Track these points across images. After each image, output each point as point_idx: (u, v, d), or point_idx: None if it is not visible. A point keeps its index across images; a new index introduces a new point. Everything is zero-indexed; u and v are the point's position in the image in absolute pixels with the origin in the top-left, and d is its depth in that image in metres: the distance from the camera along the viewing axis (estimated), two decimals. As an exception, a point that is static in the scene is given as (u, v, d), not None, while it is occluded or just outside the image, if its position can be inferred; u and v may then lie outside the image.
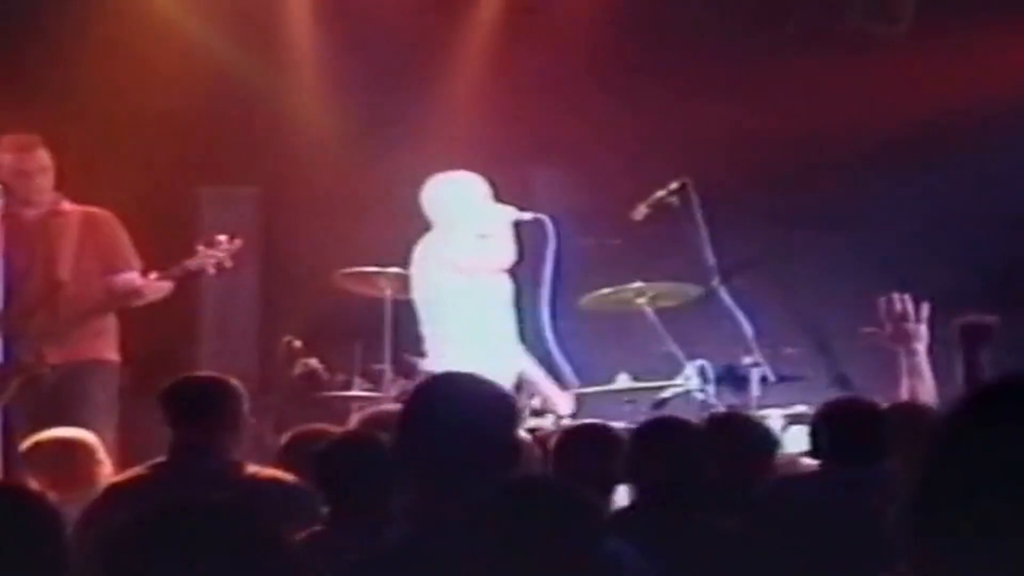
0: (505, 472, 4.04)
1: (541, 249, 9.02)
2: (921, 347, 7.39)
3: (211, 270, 8.62)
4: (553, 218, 8.97)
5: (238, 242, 8.64)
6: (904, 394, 7.14)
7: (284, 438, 6.19)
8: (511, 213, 8.94)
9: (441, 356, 8.66)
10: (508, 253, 8.99)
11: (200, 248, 8.63)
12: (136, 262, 8.77)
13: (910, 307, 7.43)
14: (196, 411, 5.57)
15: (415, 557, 3.82)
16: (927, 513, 1.75)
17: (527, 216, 8.97)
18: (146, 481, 5.46)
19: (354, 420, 6.83)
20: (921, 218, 10.59)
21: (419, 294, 9.04)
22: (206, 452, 5.50)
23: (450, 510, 3.75)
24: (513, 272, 9.09)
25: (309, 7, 10.76)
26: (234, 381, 5.79)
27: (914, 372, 7.24)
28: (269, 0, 10.81)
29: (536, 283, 9.12)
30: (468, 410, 4.15)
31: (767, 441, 6.39)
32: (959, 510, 1.70)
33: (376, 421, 5.80)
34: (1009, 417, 1.73)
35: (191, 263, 8.60)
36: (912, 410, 6.42)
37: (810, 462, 6.20)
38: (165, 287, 8.73)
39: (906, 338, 7.38)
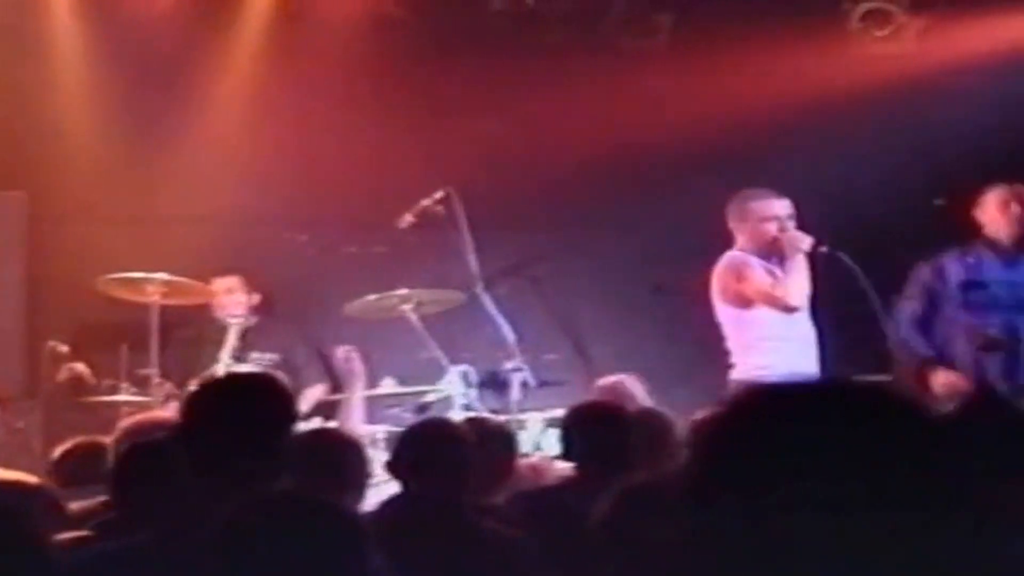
0: (271, 481, 4.11)
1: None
2: None
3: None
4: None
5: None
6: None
7: (55, 454, 6.16)
8: None
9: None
10: None
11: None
12: None
13: None
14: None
15: (158, 561, 3.84)
16: (695, 512, 1.79)
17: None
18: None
19: (120, 428, 6.82)
20: (678, 223, 10.84)
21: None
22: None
23: (207, 517, 3.70)
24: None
25: (72, 11, 10.65)
26: None
27: None
28: (32, 4, 10.67)
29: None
30: (238, 415, 4.20)
31: (507, 443, 6.54)
32: (725, 509, 1.75)
33: (138, 430, 5.79)
34: (771, 419, 1.80)
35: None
36: (656, 417, 6.62)
37: (564, 465, 6.35)
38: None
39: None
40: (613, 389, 8.29)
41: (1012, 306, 8.60)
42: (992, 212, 8.71)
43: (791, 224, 8.73)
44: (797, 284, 8.66)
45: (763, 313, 8.68)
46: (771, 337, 8.64)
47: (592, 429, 6.08)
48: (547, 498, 5.90)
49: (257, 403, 4.31)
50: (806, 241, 8.63)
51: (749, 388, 1.83)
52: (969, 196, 8.65)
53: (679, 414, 7.23)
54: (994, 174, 8.87)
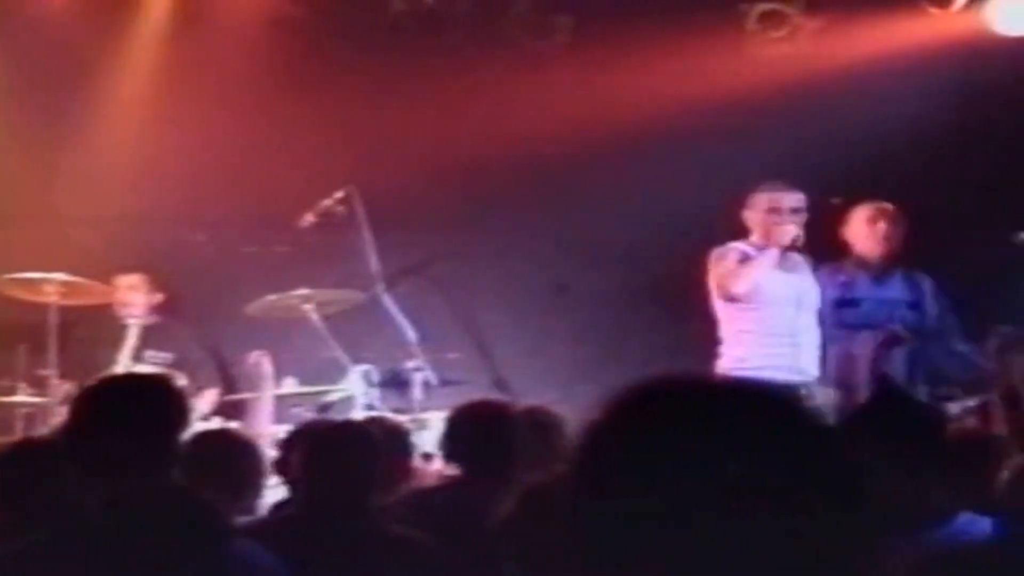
0: (164, 474, 4.11)
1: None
2: None
3: None
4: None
5: None
6: None
7: None
8: None
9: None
10: None
11: None
12: None
13: None
14: None
15: (41, 558, 3.83)
16: (579, 512, 1.80)
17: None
18: None
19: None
20: (580, 223, 10.92)
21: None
22: None
23: (91, 511, 3.75)
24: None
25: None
26: None
27: None
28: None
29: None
30: (125, 412, 4.20)
31: (403, 444, 6.54)
32: (608, 508, 1.77)
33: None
34: (653, 415, 1.81)
35: None
36: (544, 415, 6.62)
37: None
38: None
39: None
40: None
41: (883, 323, 8.72)
42: (859, 230, 8.84)
43: (795, 217, 8.56)
44: (746, 274, 8.52)
45: (745, 305, 8.61)
46: (752, 331, 8.56)
47: (475, 429, 6.07)
48: (431, 499, 5.88)
49: (147, 404, 4.31)
50: (786, 236, 8.53)
51: (632, 387, 1.86)
52: (838, 215, 8.73)
53: (582, 413, 7.28)
54: (888, 172, 9.01)
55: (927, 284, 9.00)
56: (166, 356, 9.85)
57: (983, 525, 4.53)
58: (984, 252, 9.60)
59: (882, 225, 8.83)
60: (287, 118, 10.53)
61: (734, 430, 1.77)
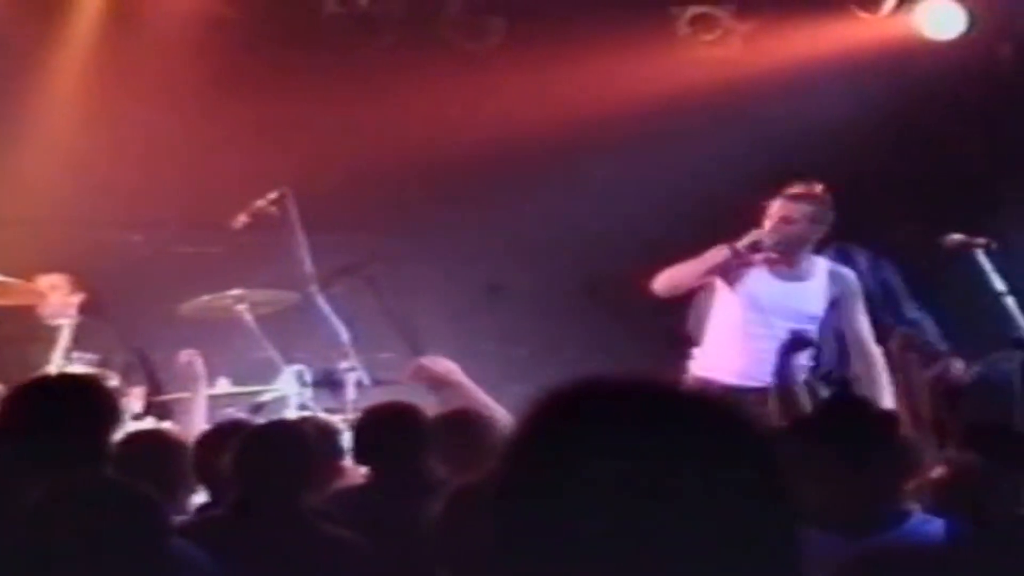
0: (96, 471, 4.12)
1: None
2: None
3: None
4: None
5: None
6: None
7: None
8: None
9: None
10: None
11: None
12: None
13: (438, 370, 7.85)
14: None
15: None
16: (503, 513, 1.82)
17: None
18: None
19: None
20: (514, 223, 10.96)
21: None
22: None
23: (16, 507, 3.75)
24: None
25: None
26: None
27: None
28: None
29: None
30: (57, 411, 4.20)
31: (332, 444, 6.55)
32: (532, 509, 1.78)
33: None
34: (579, 417, 1.82)
35: None
36: (475, 415, 6.65)
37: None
38: None
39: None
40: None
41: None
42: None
43: (778, 224, 8.45)
44: (670, 272, 8.55)
45: (715, 307, 8.64)
46: (711, 329, 8.61)
47: (384, 431, 6.09)
48: (344, 500, 5.88)
49: (79, 403, 4.32)
50: (744, 240, 8.49)
51: (558, 389, 1.88)
52: (756, 206, 8.79)
53: (514, 413, 7.33)
54: (818, 175, 9.08)
55: (862, 259, 9.05)
56: (92, 357, 9.81)
57: (935, 526, 4.60)
58: (912, 253, 9.70)
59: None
60: (221, 119, 10.51)
61: (659, 431, 1.79)
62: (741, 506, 1.78)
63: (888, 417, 5.43)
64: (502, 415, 6.93)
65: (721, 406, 1.88)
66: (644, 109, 10.52)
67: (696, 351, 8.62)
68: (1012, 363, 8.13)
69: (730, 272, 8.55)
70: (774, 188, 8.71)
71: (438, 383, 7.72)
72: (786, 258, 8.53)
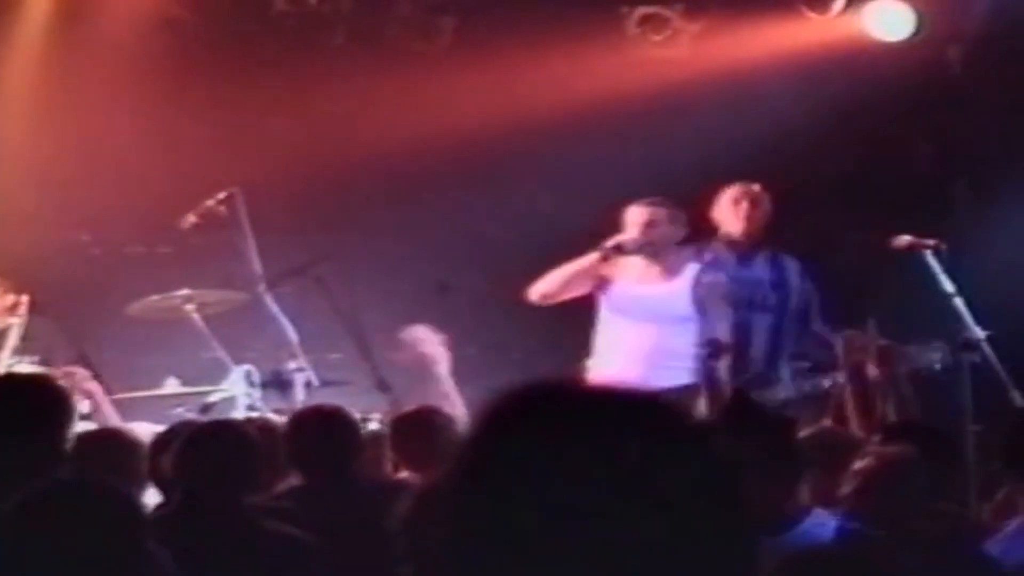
0: (54, 472, 4.09)
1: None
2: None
3: None
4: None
5: None
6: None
7: None
8: None
9: None
10: None
11: None
12: None
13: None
14: None
15: None
16: (459, 514, 1.84)
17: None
18: None
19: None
20: (463, 223, 10.97)
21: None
22: None
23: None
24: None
25: None
26: None
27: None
28: None
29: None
30: (7, 411, 4.17)
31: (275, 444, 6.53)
32: (486, 509, 1.81)
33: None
34: (531, 419, 1.85)
35: None
36: (421, 416, 6.66)
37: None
38: None
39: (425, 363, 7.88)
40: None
41: (746, 303, 8.84)
42: (725, 210, 8.95)
43: (638, 228, 8.84)
44: (543, 280, 8.90)
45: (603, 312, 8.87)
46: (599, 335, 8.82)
47: (312, 434, 6.13)
48: (286, 499, 5.91)
49: (31, 403, 4.29)
50: (609, 242, 8.77)
51: (509, 391, 1.89)
52: (707, 195, 8.91)
53: (464, 413, 7.35)
54: (766, 175, 9.12)
55: (793, 266, 9.11)
56: (32, 359, 9.72)
57: (828, 529, 4.63)
58: (858, 253, 9.74)
59: (746, 205, 8.92)
60: (170, 118, 10.48)
61: (611, 433, 1.81)
62: (692, 503, 1.79)
63: (782, 422, 5.49)
64: (461, 411, 6.97)
65: (669, 406, 1.90)
66: (593, 108, 10.54)
67: (589, 362, 8.79)
68: (935, 354, 8.22)
69: (600, 279, 8.87)
70: (723, 187, 8.78)
71: (417, 365, 7.86)
72: (653, 261, 8.84)
